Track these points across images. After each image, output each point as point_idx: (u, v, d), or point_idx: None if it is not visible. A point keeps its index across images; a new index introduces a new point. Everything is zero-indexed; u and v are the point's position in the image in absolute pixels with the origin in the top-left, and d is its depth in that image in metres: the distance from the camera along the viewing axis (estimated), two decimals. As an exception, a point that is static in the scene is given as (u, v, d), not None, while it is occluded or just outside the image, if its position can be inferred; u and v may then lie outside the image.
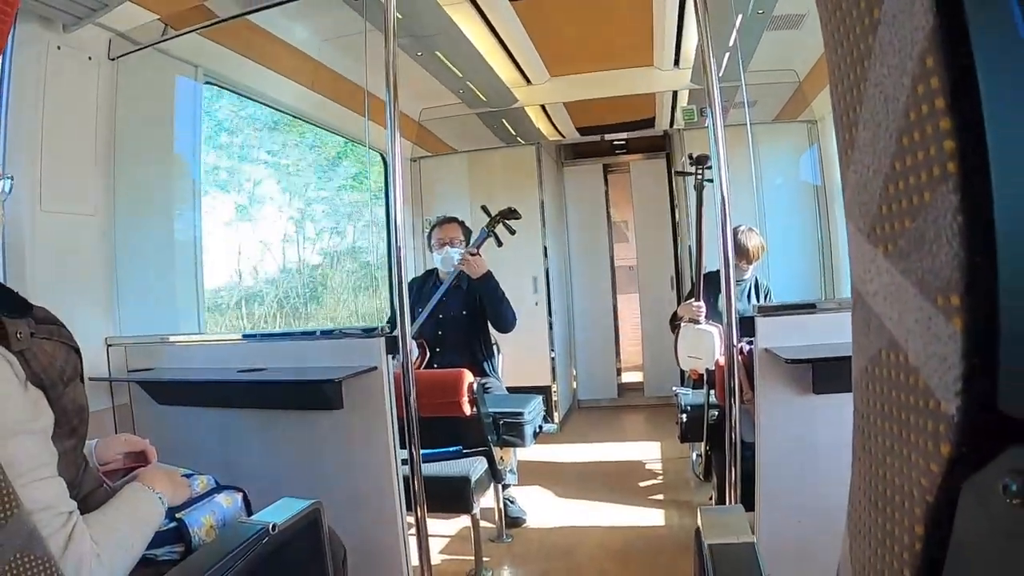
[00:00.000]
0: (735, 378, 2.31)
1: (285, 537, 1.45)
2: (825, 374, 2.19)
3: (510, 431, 3.25)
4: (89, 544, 1.22)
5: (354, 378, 2.42)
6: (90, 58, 2.80)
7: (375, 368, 2.47)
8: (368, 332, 2.58)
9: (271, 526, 1.42)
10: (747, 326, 2.31)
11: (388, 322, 3.13)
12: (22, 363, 1.24)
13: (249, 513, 1.69)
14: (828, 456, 2.26)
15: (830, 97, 0.48)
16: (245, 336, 3.10)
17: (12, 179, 1.52)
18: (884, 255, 0.41)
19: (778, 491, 2.35)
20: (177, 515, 1.53)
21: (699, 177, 3.37)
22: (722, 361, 2.62)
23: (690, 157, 3.37)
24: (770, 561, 2.36)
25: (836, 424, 2.22)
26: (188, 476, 1.72)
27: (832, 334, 2.22)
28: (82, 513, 1.32)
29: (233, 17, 2.88)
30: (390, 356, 2.50)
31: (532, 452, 3.25)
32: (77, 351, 1.43)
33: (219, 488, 1.71)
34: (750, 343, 2.38)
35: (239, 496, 1.71)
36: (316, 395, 2.47)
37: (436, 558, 3.10)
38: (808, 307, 2.41)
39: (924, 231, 0.36)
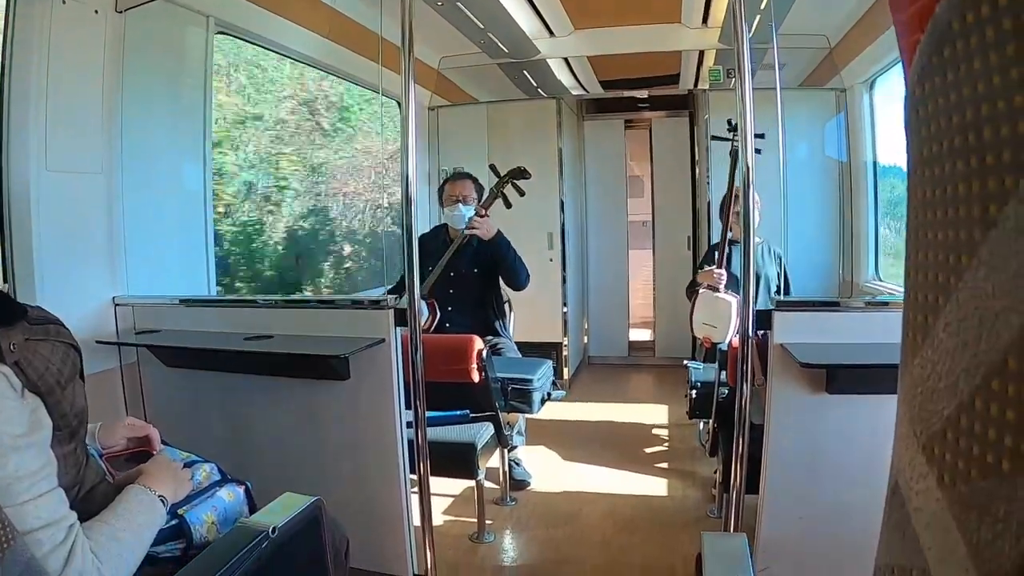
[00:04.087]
0: (749, 360, 2.27)
1: (285, 538, 1.45)
2: (839, 377, 2.15)
3: (518, 397, 3.22)
4: (90, 559, 1.22)
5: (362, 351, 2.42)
6: (96, 11, 2.70)
7: (383, 340, 2.46)
8: (377, 303, 2.56)
9: (271, 529, 1.41)
10: (764, 319, 2.26)
11: (398, 283, 3.09)
12: (17, 373, 1.22)
13: (252, 507, 1.69)
14: (836, 453, 2.25)
15: (905, 258, 0.40)
16: (253, 300, 3.08)
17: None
18: (938, 483, 0.35)
19: (784, 482, 2.36)
20: (179, 511, 1.52)
21: (735, 144, 3.27)
22: (736, 343, 2.58)
23: (728, 123, 3.26)
24: (770, 549, 2.38)
25: (846, 424, 2.20)
26: (191, 464, 1.72)
27: (852, 333, 2.18)
28: (85, 509, 1.32)
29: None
30: (399, 328, 2.48)
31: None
32: (77, 348, 1.40)
33: (222, 481, 1.71)
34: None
35: (241, 490, 1.70)
36: (323, 366, 2.47)
37: (438, 519, 3.14)
38: (830, 304, 2.35)
39: (992, 498, 0.30)
